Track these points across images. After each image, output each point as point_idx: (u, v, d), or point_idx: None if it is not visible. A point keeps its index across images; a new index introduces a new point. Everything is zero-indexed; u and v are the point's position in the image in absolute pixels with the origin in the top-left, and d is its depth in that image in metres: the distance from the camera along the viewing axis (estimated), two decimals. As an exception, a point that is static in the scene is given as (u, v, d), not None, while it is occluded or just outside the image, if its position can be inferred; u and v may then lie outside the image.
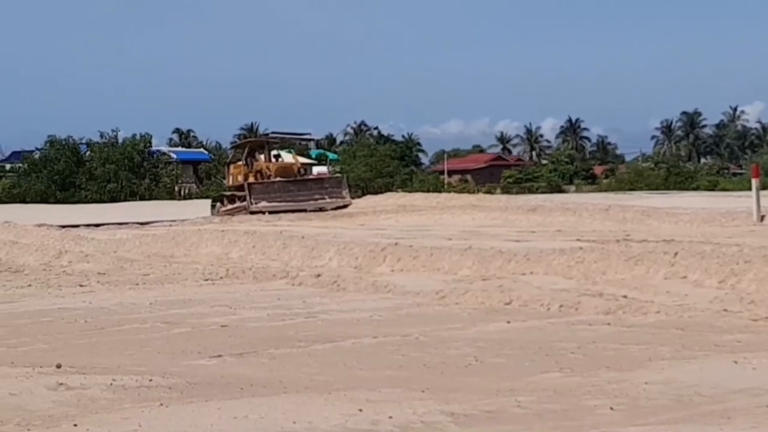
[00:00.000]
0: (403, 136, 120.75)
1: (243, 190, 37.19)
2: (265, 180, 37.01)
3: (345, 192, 37.64)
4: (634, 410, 6.14)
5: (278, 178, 37.28)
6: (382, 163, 76.46)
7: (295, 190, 36.60)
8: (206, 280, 14.91)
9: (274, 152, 40.74)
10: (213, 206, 39.78)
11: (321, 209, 35.67)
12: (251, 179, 37.34)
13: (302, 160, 56.96)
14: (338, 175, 42.46)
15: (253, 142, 43.49)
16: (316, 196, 36.51)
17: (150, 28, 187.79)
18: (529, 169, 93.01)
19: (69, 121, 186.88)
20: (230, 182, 39.66)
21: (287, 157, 44.68)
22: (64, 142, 67.96)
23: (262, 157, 39.07)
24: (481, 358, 8.04)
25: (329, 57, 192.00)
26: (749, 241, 16.26)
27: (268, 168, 37.89)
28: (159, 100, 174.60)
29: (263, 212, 34.29)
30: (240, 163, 39.84)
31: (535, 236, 20.31)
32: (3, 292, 14.08)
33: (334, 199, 36.55)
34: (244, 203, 36.11)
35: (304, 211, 34.52)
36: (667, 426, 5.77)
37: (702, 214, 25.36)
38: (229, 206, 37.17)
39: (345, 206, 36.19)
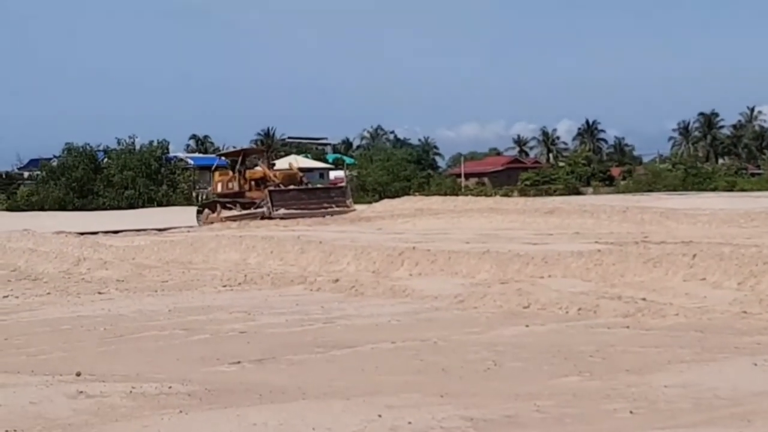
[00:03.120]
0: (419, 140, 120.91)
1: (241, 197, 37.70)
2: (281, 188, 37.22)
3: (349, 201, 38.37)
4: (654, 414, 6.12)
5: (291, 186, 37.64)
6: (399, 167, 76.53)
7: (306, 198, 37.18)
8: (224, 286, 14.93)
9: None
10: (199, 213, 39.84)
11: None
12: (246, 187, 37.93)
13: (315, 164, 56.91)
14: (342, 184, 43.09)
15: (248, 150, 43.80)
16: (325, 204, 37.12)
17: (165, 35, 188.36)
18: (546, 172, 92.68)
19: (86, 128, 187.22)
20: (219, 189, 39.68)
21: (281, 165, 45.33)
22: (81, 150, 68.34)
23: (257, 165, 39.64)
24: (499, 362, 8.03)
25: (345, 62, 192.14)
26: (768, 241, 16.19)
27: (275, 176, 38.15)
28: (176, 106, 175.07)
29: (282, 218, 34.47)
30: (227, 170, 40.10)
31: (552, 239, 20.28)
32: (22, 300, 14.13)
33: (340, 208, 37.12)
34: (258, 210, 36.24)
35: (312, 217, 34.79)
36: (686, 429, 5.75)
37: (720, 214, 25.30)
38: (228, 213, 37.26)
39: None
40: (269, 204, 35.92)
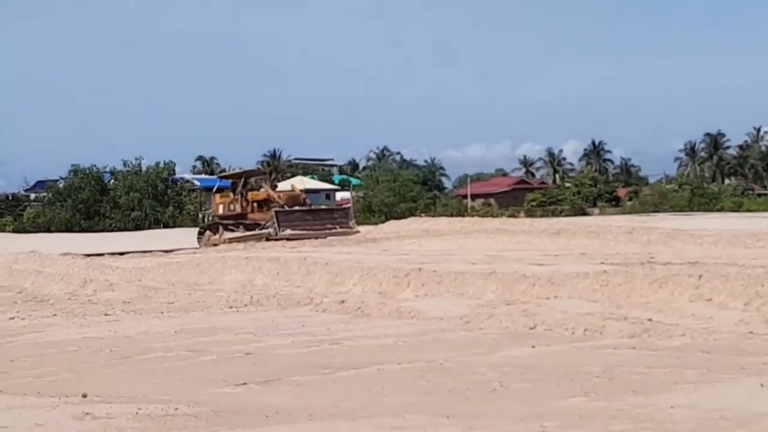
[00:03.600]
0: (425, 161, 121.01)
1: (244, 219, 37.79)
2: (286, 209, 37.29)
3: (352, 222, 38.52)
4: (661, 435, 6.11)
5: (295, 207, 37.73)
6: (405, 188, 76.52)
7: (311, 219, 37.27)
8: (231, 307, 14.93)
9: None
10: (200, 235, 39.84)
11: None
12: (249, 209, 38.06)
13: (321, 185, 56.86)
14: (348, 206, 43.33)
15: (250, 172, 43.93)
16: (329, 225, 37.23)
17: (171, 57, 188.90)
18: (552, 192, 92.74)
19: (92, 150, 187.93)
20: (221, 211, 39.70)
21: (284, 187, 45.56)
22: (87, 171, 68.49)
23: (261, 187, 39.81)
24: (505, 383, 8.02)
25: (351, 83, 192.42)
26: (775, 262, 16.14)
27: (278, 197, 38.22)
28: (182, 128, 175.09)
29: (288, 239, 34.52)
30: (228, 192, 40.18)
31: (559, 260, 20.24)
32: (29, 321, 14.14)
33: (343, 229, 37.24)
34: (264, 231, 36.30)
35: (317, 238, 34.84)
36: (693, 450, 5.74)
37: (726, 235, 25.25)
38: (231, 234, 37.29)
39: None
40: (276, 224, 36.00)
